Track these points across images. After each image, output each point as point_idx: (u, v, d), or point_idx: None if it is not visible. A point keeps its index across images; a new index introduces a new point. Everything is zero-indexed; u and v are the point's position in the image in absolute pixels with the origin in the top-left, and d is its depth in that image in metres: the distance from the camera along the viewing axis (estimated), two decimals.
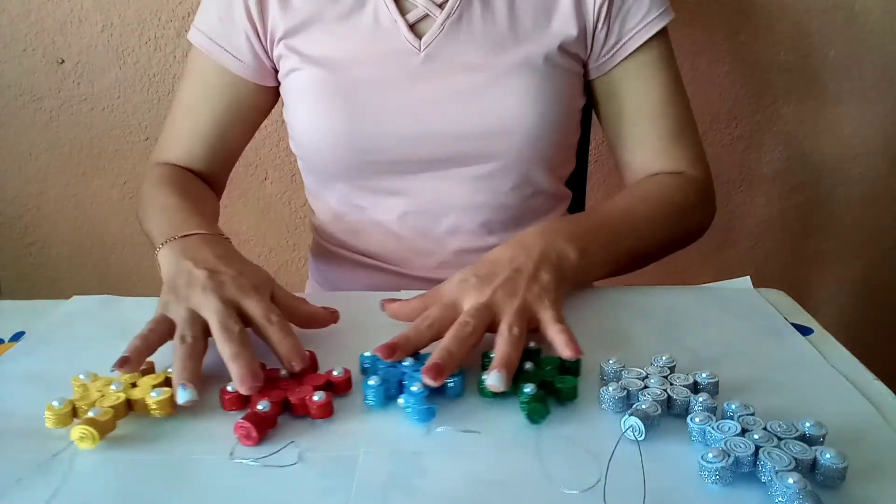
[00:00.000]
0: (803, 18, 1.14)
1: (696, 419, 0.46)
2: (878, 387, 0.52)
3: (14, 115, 1.17)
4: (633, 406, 0.47)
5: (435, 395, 0.50)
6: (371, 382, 0.50)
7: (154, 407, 0.48)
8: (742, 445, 0.43)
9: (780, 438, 0.43)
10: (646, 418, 0.45)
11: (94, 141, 1.19)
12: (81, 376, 0.51)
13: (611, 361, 0.52)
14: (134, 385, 0.50)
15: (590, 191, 1.18)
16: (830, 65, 1.17)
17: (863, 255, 1.32)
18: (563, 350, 0.51)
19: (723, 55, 1.16)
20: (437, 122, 0.74)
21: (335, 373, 0.52)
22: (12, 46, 1.12)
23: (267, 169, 1.21)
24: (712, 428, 0.45)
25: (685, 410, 0.48)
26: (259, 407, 0.47)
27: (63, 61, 1.13)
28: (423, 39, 0.74)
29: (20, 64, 1.13)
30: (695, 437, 0.46)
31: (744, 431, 0.44)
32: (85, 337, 0.61)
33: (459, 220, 0.79)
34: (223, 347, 0.52)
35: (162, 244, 0.63)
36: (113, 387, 0.50)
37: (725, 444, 0.43)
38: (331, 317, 0.59)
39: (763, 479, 0.42)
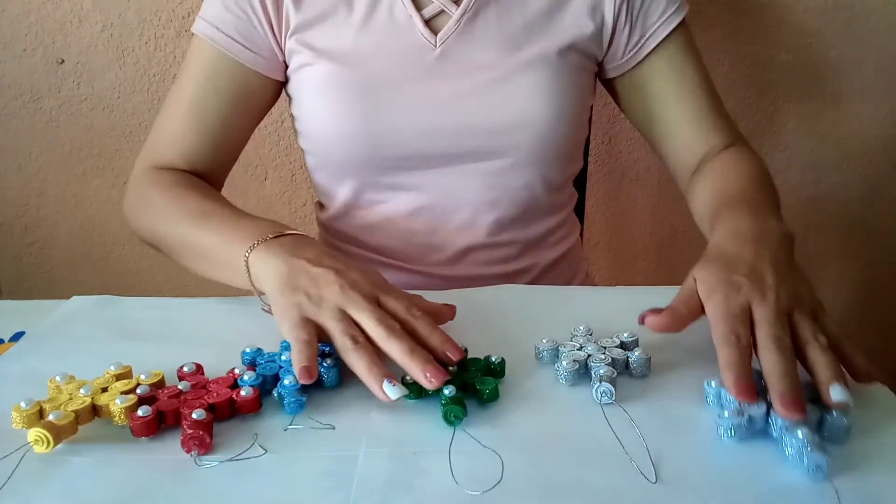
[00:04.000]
0: (803, 18, 1.14)
1: (713, 383, 0.50)
2: (878, 387, 0.52)
3: (14, 115, 1.17)
4: (593, 374, 0.52)
5: (311, 387, 0.51)
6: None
7: (116, 413, 0.47)
8: (756, 407, 0.46)
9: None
10: (611, 381, 0.51)
11: (94, 141, 1.19)
12: (58, 378, 0.50)
13: (544, 341, 0.56)
14: (105, 390, 0.49)
15: (589, 191, 1.18)
16: (830, 65, 1.17)
17: (863, 255, 1.32)
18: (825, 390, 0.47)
19: (723, 55, 1.16)
20: (452, 118, 0.74)
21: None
22: (12, 46, 1.12)
23: (267, 169, 1.21)
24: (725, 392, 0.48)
25: (625, 366, 0.54)
26: (194, 416, 0.46)
27: (63, 61, 1.13)
28: (439, 36, 0.74)
29: (20, 64, 1.13)
30: (711, 400, 0.50)
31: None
32: (85, 337, 0.61)
33: (471, 216, 0.79)
34: (392, 345, 0.51)
35: (252, 246, 0.59)
36: (82, 391, 0.49)
37: (740, 404, 0.46)
38: (449, 312, 0.58)
39: (774, 434, 0.45)
